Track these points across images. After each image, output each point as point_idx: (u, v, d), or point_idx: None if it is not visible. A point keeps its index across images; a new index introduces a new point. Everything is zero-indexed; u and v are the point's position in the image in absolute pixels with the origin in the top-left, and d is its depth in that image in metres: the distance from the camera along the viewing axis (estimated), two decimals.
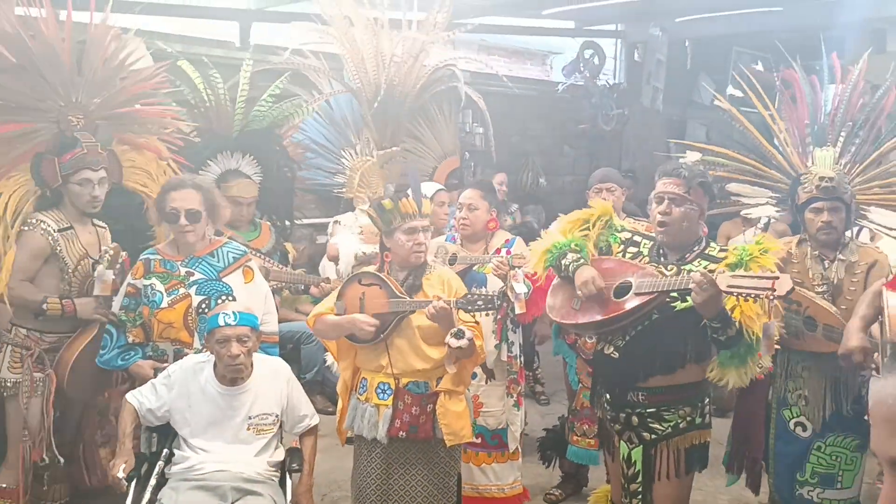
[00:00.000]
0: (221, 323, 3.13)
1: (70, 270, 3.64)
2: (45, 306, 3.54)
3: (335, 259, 5.01)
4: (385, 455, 3.25)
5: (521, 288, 3.66)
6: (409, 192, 3.45)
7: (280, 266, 4.52)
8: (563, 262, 3.09)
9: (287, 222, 5.15)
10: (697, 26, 9.30)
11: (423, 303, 3.15)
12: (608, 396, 3.15)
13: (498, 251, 3.98)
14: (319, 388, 5.64)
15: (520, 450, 4.11)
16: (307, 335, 5.45)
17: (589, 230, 3.20)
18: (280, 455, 3.28)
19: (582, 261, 3.04)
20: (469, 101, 6.02)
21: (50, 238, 3.58)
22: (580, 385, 4.18)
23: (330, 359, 4.65)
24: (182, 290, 3.48)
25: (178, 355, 3.43)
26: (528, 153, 8.76)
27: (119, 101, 3.93)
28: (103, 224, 3.88)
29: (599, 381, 3.26)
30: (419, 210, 3.25)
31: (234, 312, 3.17)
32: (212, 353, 3.21)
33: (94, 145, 3.68)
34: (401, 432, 3.20)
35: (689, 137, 8.98)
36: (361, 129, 5.73)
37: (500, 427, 4.03)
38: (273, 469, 3.22)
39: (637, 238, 3.17)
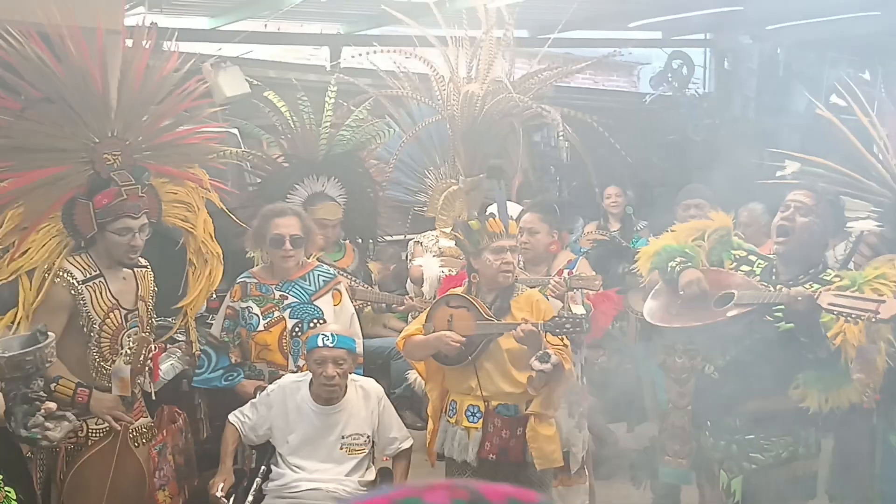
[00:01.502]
0: (320, 344, 3.23)
1: (96, 327, 3.10)
2: (53, 385, 2.85)
3: (419, 281, 5.06)
4: (475, 477, 3.26)
5: (578, 310, 3.62)
6: (496, 211, 3.47)
7: (364, 285, 4.62)
8: (670, 264, 3.04)
9: (371, 242, 5.25)
10: (790, 33, 9.02)
11: (510, 326, 3.15)
12: (708, 422, 3.08)
13: (560, 272, 3.96)
14: (408, 403, 5.69)
15: (587, 472, 4.05)
16: (396, 351, 5.50)
17: (703, 241, 3.15)
18: (371, 475, 3.35)
19: (689, 264, 2.99)
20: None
21: (73, 290, 3.06)
22: (670, 405, 4.11)
23: (412, 376, 4.71)
24: (277, 314, 3.62)
25: (273, 377, 3.55)
26: (613, 166, 8.65)
27: (158, 128, 3.45)
28: (144, 263, 3.35)
29: (699, 402, 3.20)
30: (506, 230, 3.26)
31: (332, 335, 3.26)
32: (309, 370, 3.30)
33: (134, 188, 3.15)
34: (491, 455, 3.22)
35: (783, 147, 8.70)
36: (448, 151, 5.76)
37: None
38: (365, 489, 3.29)
39: (752, 257, 3.10)
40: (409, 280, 5.43)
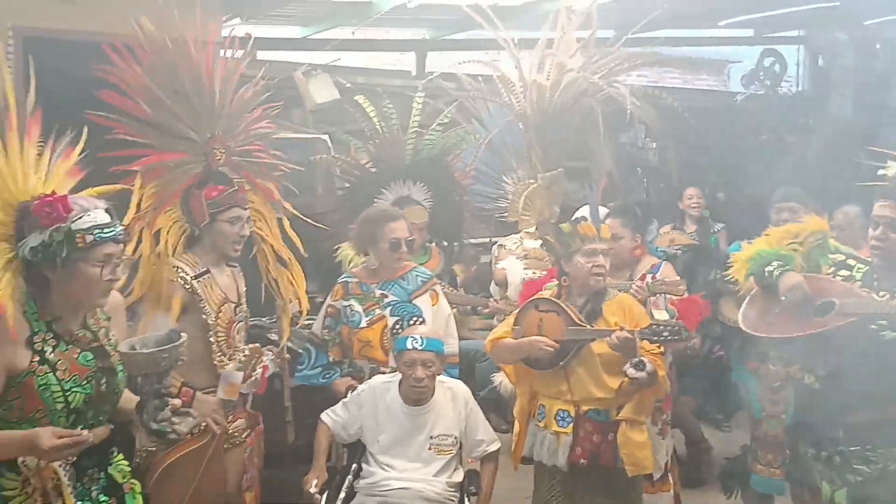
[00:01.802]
0: (409, 346, 3.29)
1: (213, 322, 3.17)
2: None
3: (502, 284, 5.08)
4: (565, 482, 3.27)
5: (661, 315, 3.57)
6: (587, 214, 3.47)
7: (450, 288, 4.67)
8: (766, 269, 2.97)
9: (455, 244, 5.29)
10: (890, 28, 8.66)
11: (604, 332, 3.13)
12: (809, 433, 3.00)
13: (643, 277, 3.91)
14: (494, 405, 5.72)
15: (671, 480, 3.99)
16: (481, 353, 5.54)
17: (799, 246, 3.06)
18: (459, 476, 3.39)
19: (788, 267, 2.91)
20: (641, 116, 5.92)
21: (186, 286, 3.12)
22: (763, 413, 4.02)
23: (497, 379, 4.73)
24: (378, 312, 3.73)
25: (374, 373, 3.65)
26: (704, 167, 8.47)
27: (248, 136, 3.53)
28: (235, 263, 3.42)
29: (798, 413, 3.11)
30: (598, 233, 3.25)
31: (421, 338, 3.32)
32: (399, 371, 3.37)
33: (240, 182, 3.34)
34: (581, 460, 3.21)
35: (883, 146, 8.36)
36: (522, 154, 5.76)
37: None
38: (452, 490, 3.33)
39: (851, 261, 2.99)
40: (493, 283, 5.46)
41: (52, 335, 2.27)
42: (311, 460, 3.48)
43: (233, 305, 3.26)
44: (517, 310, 3.47)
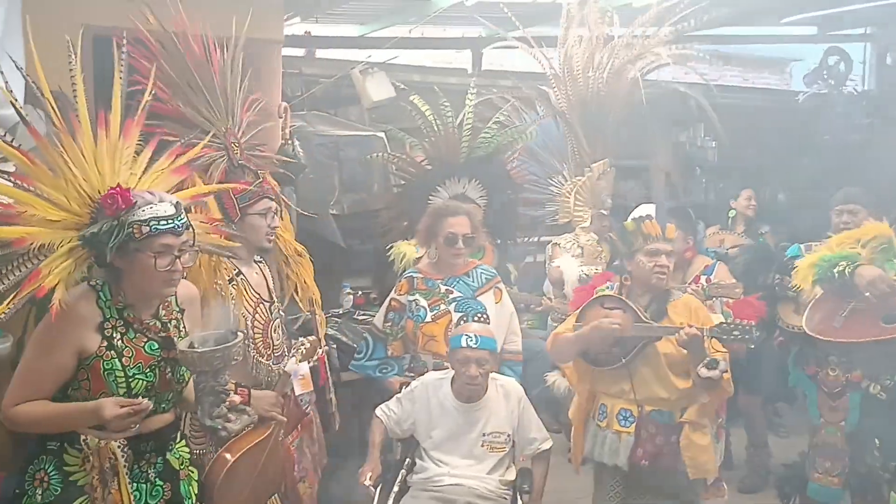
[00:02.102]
0: (464, 344, 3.30)
1: (248, 324, 3.16)
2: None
3: (558, 282, 5.07)
4: (626, 482, 3.26)
5: (716, 318, 3.51)
6: (653, 213, 3.45)
7: (504, 286, 4.66)
8: (835, 270, 2.92)
9: (509, 242, 5.29)
10: None
11: (671, 329, 3.10)
12: (877, 441, 2.93)
13: (697, 279, 3.85)
14: (546, 405, 5.71)
15: (724, 486, 3.92)
16: (534, 352, 5.54)
17: (861, 250, 3.00)
18: (512, 475, 3.39)
19: (860, 262, 2.85)
20: (701, 114, 5.85)
21: (222, 292, 3.09)
22: (821, 420, 3.93)
23: (550, 378, 4.73)
24: (443, 307, 3.77)
25: (437, 367, 3.68)
26: (764, 167, 8.32)
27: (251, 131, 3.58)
28: (259, 258, 3.39)
29: (864, 421, 3.04)
30: (663, 233, 3.23)
31: (476, 336, 3.33)
32: (452, 368, 3.39)
33: (263, 173, 3.35)
34: (643, 461, 3.20)
35: None
36: (565, 154, 5.72)
37: None
38: (505, 488, 3.34)
39: None
40: (546, 281, 5.45)
41: (122, 322, 2.37)
42: (355, 453, 3.54)
43: (268, 305, 3.27)
44: (580, 307, 3.44)
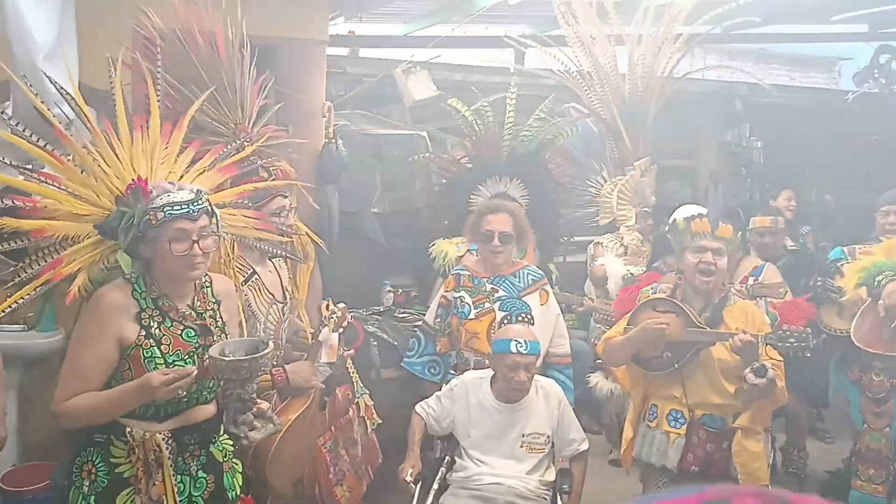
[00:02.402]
0: (513, 350, 3.26)
1: (260, 325, 3.18)
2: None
3: (601, 281, 5.04)
4: (672, 485, 3.22)
5: None
6: (704, 212, 3.43)
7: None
8: (877, 278, 2.88)
9: (552, 242, 5.28)
10: None
11: (725, 335, 3.05)
12: None
13: (745, 280, 3.80)
14: (585, 406, 5.69)
15: None
16: (575, 352, 5.51)
17: None
18: (551, 475, 3.38)
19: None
20: (746, 114, 5.78)
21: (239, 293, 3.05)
22: (865, 425, 3.86)
23: (592, 380, 4.71)
24: (487, 305, 3.78)
25: (479, 365, 3.69)
26: (811, 168, 8.18)
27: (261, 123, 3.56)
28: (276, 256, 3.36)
29: None
30: (712, 230, 3.20)
31: (525, 341, 3.29)
32: (494, 369, 3.38)
33: (277, 168, 3.31)
34: (693, 467, 3.16)
35: None
36: (603, 155, 5.68)
37: None
38: (545, 488, 3.33)
39: None
40: (588, 281, 5.43)
41: (158, 312, 2.42)
42: (394, 450, 3.57)
43: (280, 306, 3.30)
44: (631, 311, 3.40)
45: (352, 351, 3.46)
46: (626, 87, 5.55)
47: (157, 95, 2.68)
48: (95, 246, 2.44)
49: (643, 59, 5.57)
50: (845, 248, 3.97)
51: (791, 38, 9.03)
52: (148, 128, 2.53)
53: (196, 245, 2.38)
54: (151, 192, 2.38)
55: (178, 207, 2.36)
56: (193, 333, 2.46)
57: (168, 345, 2.40)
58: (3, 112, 2.53)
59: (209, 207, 2.43)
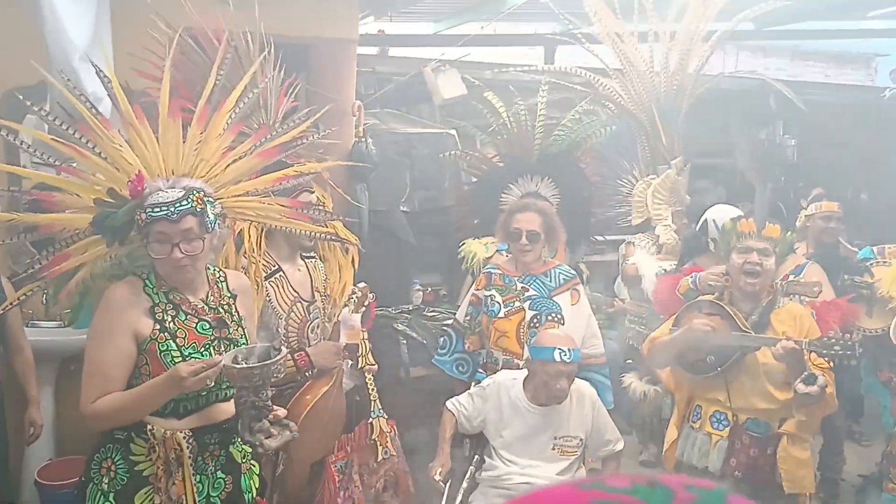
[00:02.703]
0: (558, 359, 3.22)
1: (283, 322, 3.17)
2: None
3: (633, 280, 5.00)
4: None
5: None
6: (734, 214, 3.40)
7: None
8: None
9: (583, 242, 5.24)
10: None
11: (770, 340, 3.00)
12: None
13: (785, 277, 3.74)
14: (617, 407, 5.64)
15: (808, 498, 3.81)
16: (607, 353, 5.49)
17: None
18: (582, 476, 3.36)
19: None
20: (780, 112, 5.71)
21: (257, 288, 3.06)
22: (895, 427, 3.79)
23: (626, 381, 4.68)
24: (517, 304, 3.75)
25: (507, 365, 3.67)
26: (846, 166, 8.05)
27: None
28: (313, 255, 3.40)
29: None
30: (758, 230, 3.16)
31: (569, 350, 3.25)
32: (532, 375, 3.33)
33: (302, 165, 3.20)
34: (736, 472, 3.10)
35: None
36: (633, 154, 5.63)
37: None
38: None
39: None
40: (618, 280, 5.38)
41: (171, 306, 2.41)
42: (423, 448, 3.56)
43: (305, 304, 3.24)
44: (677, 313, 3.36)
45: (374, 367, 3.37)
46: (662, 84, 5.49)
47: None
48: (100, 242, 2.43)
49: (680, 57, 5.51)
50: (875, 248, 3.90)
51: (827, 35, 8.89)
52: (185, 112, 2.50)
53: (177, 248, 2.33)
54: (145, 189, 2.35)
55: (159, 209, 2.31)
56: (208, 326, 2.44)
57: (183, 338, 2.39)
58: (41, 109, 2.53)
59: (197, 208, 2.35)
